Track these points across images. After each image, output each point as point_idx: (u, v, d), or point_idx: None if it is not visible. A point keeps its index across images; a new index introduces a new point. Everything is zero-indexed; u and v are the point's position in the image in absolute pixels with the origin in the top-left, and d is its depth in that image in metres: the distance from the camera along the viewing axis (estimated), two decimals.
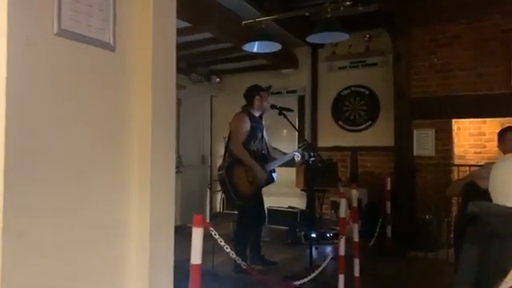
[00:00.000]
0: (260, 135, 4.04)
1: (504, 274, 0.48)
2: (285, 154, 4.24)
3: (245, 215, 3.97)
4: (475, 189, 2.46)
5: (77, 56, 1.62)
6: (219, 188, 4.21)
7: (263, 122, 4.17)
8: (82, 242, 1.66)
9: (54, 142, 1.55)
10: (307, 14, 4.51)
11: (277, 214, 5.77)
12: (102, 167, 1.75)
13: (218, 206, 6.98)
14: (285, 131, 6.29)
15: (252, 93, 4.05)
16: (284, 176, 6.01)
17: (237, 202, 3.78)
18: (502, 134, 3.10)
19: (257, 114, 4.05)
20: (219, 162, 7.00)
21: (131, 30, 1.81)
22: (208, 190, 6.94)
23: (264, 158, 4.03)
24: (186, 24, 4.20)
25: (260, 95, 4.00)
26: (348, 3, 3.69)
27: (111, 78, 1.77)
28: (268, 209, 5.86)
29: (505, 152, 3.04)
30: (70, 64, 1.60)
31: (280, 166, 4.20)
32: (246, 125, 3.90)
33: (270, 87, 4.19)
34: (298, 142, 6.31)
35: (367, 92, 6.00)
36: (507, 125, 3.38)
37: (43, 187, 1.51)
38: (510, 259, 1.60)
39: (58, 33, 1.51)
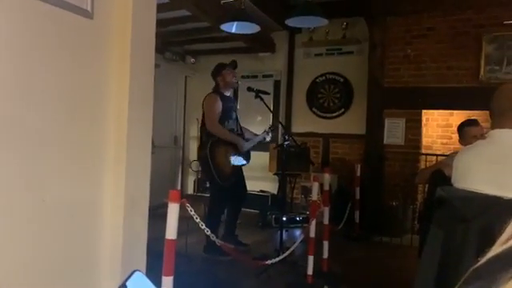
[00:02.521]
0: (234, 115, 4.03)
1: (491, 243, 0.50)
2: (255, 134, 4.27)
3: (220, 195, 3.97)
4: (442, 176, 2.55)
5: (52, 21, 1.55)
6: (193, 169, 4.19)
7: (236, 103, 4.16)
8: (52, 218, 1.61)
9: (21, 111, 1.48)
10: None
11: (248, 198, 5.78)
12: (75, 141, 1.70)
13: (190, 188, 6.95)
14: (259, 117, 6.29)
15: (215, 73, 4.01)
16: (256, 160, 6.01)
17: (219, 181, 3.78)
18: (461, 129, 3.18)
19: (227, 94, 4.02)
20: (192, 143, 6.96)
21: None
22: (180, 172, 6.88)
23: (242, 137, 4.04)
24: (163, 0, 4.08)
25: (222, 74, 3.95)
26: None
27: (88, 46, 1.71)
28: None
29: (465, 145, 3.13)
30: (45, 29, 1.53)
31: (253, 148, 4.22)
32: (219, 105, 3.87)
33: (234, 62, 4.07)
34: (270, 126, 6.34)
35: (342, 80, 6.06)
36: (468, 118, 3.48)
37: (9, 160, 1.45)
38: (473, 242, 1.68)
39: None
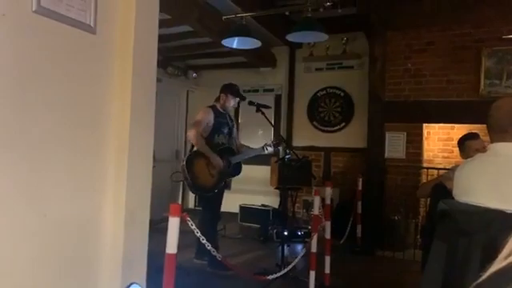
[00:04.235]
0: (226, 131, 4.04)
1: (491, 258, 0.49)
2: (252, 149, 4.26)
3: (208, 207, 3.96)
4: (444, 189, 2.54)
5: (55, 36, 1.56)
6: (173, 180, 4.20)
7: (232, 119, 4.18)
8: (53, 232, 1.60)
9: (23, 125, 1.48)
10: (287, 13, 4.54)
11: (250, 212, 5.80)
12: (76, 154, 1.70)
13: (191, 202, 6.92)
14: (260, 131, 6.31)
15: (225, 89, 4.07)
16: (258, 174, 6.02)
17: (196, 192, 3.77)
18: (461, 143, 3.18)
19: (222, 110, 4.06)
20: None
21: (113, 13, 1.77)
22: (181, 186, 6.86)
23: (230, 150, 4.04)
24: (166, 16, 4.14)
25: (227, 96, 4.03)
26: (328, 4, 3.73)
27: (90, 61, 1.73)
28: (241, 206, 5.89)
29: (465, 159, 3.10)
30: (48, 44, 1.54)
31: (248, 160, 4.21)
32: (209, 118, 3.91)
33: (244, 98, 4.17)
34: (273, 140, 6.34)
35: (342, 94, 6.10)
36: (469, 131, 3.48)
37: (10, 175, 1.45)
38: (476, 256, 1.66)
39: (36, 10, 1.46)
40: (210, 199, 3.92)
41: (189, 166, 3.73)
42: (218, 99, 4.09)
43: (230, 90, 4.06)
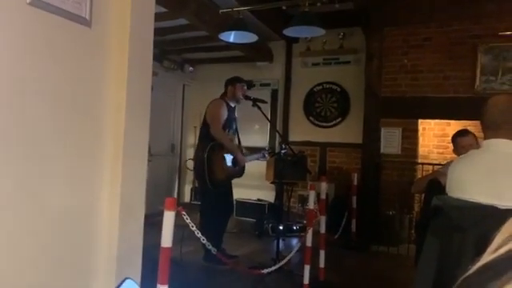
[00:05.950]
0: (234, 126, 4.05)
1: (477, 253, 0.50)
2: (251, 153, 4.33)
3: (213, 201, 3.96)
4: (438, 185, 2.55)
5: (50, 29, 1.55)
6: (188, 168, 4.23)
7: (236, 115, 4.20)
8: (47, 225, 1.61)
9: (18, 118, 1.48)
10: (284, 7, 4.52)
11: (245, 206, 5.81)
12: (71, 148, 1.69)
13: (187, 196, 6.92)
14: (256, 126, 6.30)
15: (228, 82, 4.08)
16: (253, 168, 6.02)
17: (209, 185, 3.77)
18: (453, 140, 3.21)
19: (232, 104, 4.06)
20: (189, 151, 6.96)
21: (109, 6, 1.76)
22: (177, 180, 6.86)
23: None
24: (162, 9, 4.11)
25: (235, 86, 4.02)
26: None
27: (85, 54, 1.72)
28: (236, 201, 5.88)
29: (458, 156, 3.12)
30: (43, 37, 1.54)
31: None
32: (225, 111, 3.92)
33: (250, 82, 4.21)
34: (270, 136, 6.36)
35: (339, 89, 6.10)
36: (461, 128, 3.49)
37: (6, 168, 1.44)
38: (469, 252, 1.68)
39: (31, 2, 1.44)
40: (214, 194, 3.91)
41: (209, 157, 3.75)
42: (224, 95, 4.06)
43: (235, 79, 4.08)
